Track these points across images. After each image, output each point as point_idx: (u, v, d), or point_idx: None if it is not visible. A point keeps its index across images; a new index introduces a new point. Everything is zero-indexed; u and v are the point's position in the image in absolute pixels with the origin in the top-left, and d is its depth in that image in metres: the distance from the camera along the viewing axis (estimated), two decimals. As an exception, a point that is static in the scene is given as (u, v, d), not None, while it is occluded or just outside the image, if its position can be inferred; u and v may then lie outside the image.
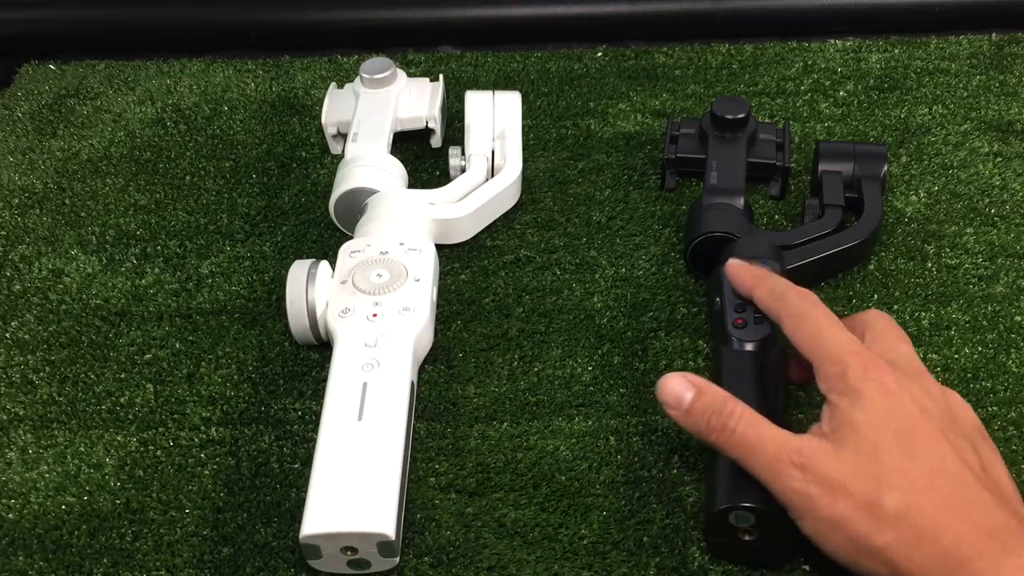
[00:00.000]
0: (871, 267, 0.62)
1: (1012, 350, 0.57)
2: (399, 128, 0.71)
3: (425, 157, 0.73)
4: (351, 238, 0.61)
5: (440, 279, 0.62)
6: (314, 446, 0.49)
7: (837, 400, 0.43)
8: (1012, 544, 0.38)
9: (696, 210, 0.62)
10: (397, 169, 0.66)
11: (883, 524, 0.40)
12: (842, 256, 0.60)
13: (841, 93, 0.77)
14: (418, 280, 0.57)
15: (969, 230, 0.64)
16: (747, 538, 0.45)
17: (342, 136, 0.71)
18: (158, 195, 0.70)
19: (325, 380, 0.52)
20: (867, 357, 0.44)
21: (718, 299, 0.54)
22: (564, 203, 0.68)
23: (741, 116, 0.65)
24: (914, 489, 0.40)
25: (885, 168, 0.63)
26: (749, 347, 0.50)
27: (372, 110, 0.70)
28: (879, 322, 0.48)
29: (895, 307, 0.60)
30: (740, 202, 0.61)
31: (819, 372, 0.45)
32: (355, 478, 0.47)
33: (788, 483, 0.42)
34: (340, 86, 0.74)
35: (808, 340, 0.46)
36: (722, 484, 0.45)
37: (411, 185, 0.68)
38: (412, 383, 0.53)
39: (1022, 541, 0.38)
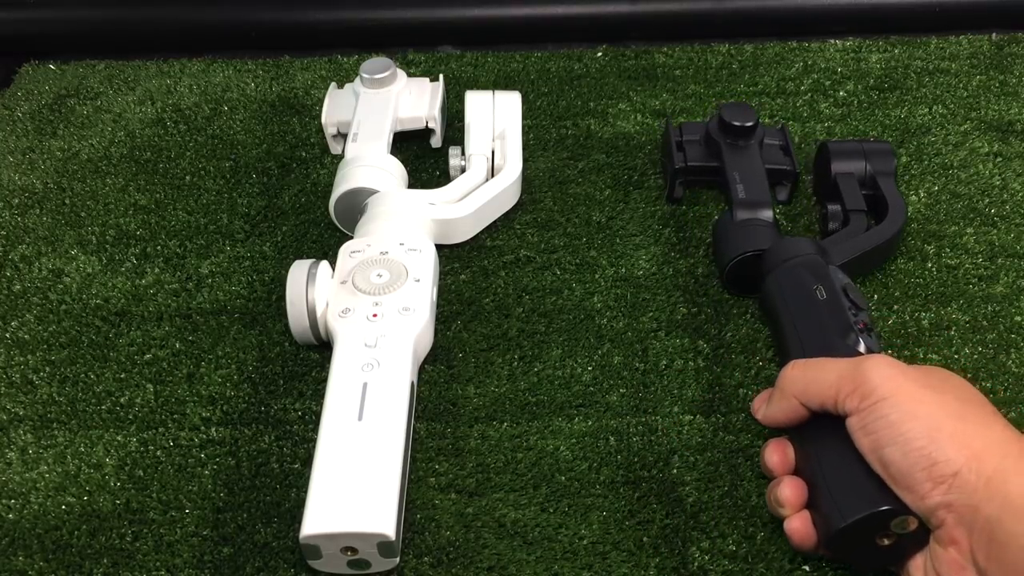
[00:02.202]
0: (871, 267, 0.62)
1: (1012, 350, 0.57)
2: (399, 128, 0.71)
3: (425, 157, 0.73)
4: (351, 238, 0.61)
5: (440, 279, 0.62)
6: (314, 446, 0.49)
7: (866, 407, 0.43)
8: None
9: (728, 227, 0.60)
10: (397, 169, 0.66)
11: (952, 414, 0.41)
12: (876, 255, 0.60)
13: (841, 93, 0.77)
14: (418, 280, 0.57)
15: (969, 230, 0.64)
16: (886, 542, 0.43)
17: (342, 136, 0.71)
18: (158, 195, 0.70)
19: (325, 380, 0.52)
20: (853, 368, 0.44)
21: (818, 288, 0.52)
22: (564, 203, 0.68)
23: (751, 124, 0.64)
24: (984, 409, 0.43)
25: (895, 162, 0.63)
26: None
27: (372, 110, 0.70)
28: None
29: (895, 307, 0.60)
30: (769, 214, 0.60)
31: (836, 402, 0.44)
32: (355, 478, 0.47)
33: (880, 366, 0.43)
34: (340, 86, 0.74)
35: (811, 384, 0.46)
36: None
37: (411, 185, 0.68)
38: (412, 383, 0.53)
39: None
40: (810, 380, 0.46)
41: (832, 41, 0.82)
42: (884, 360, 0.44)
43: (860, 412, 0.42)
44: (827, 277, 0.52)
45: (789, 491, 0.46)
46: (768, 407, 0.49)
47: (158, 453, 0.54)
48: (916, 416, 0.41)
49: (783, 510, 0.46)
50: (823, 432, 0.45)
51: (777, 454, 0.48)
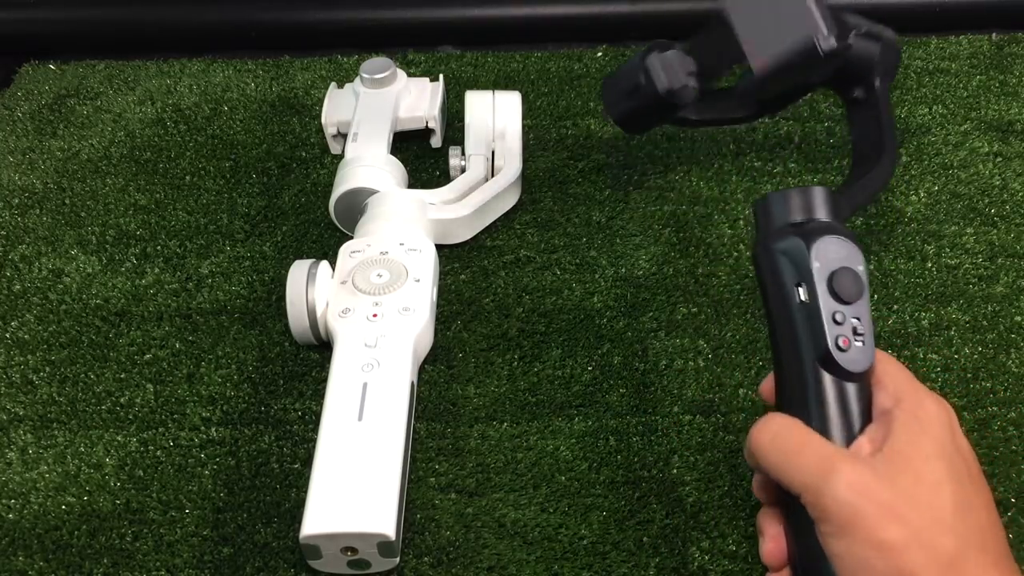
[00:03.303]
0: (871, 267, 0.62)
1: (1012, 350, 0.57)
2: (399, 128, 0.71)
3: (425, 157, 0.73)
4: (351, 238, 0.61)
5: (440, 279, 0.62)
6: (314, 446, 0.49)
7: (904, 420, 0.39)
8: None
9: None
10: (397, 169, 0.66)
11: (934, 564, 0.36)
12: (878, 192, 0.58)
13: (841, 93, 0.76)
14: (418, 280, 0.57)
15: (969, 230, 0.64)
16: None
17: (342, 136, 0.71)
18: (158, 195, 0.70)
19: (325, 380, 0.52)
20: (942, 399, 0.41)
21: (801, 288, 0.43)
22: (564, 203, 0.68)
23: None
24: (968, 538, 0.37)
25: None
26: (853, 378, 0.42)
27: (372, 110, 0.70)
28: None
29: (895, 307, 0.60)
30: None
31: (890, 384, 0.41)
32: (355, 478, 0.47)
33: (841, 491, 0.37)
34: (340, 86, 0.74)
35: (882, 358, 0.42)
36: None
37: (411, 185, 0.68)
38: (412, 383, 0.53)
39: None
40: (777, 464, 0.40)
41: (832, 41, 0.82)
42: (852, 481, 0.37)
43: (820, 534, 0.39)
44: (808, 273, 0.43)
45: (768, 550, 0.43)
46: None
47: (158, 453, 0.54)
48: (874, 563, 0.36)
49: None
50: (799, 516, 0.41)
51: (768, 527, 0.44)
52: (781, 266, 0.44)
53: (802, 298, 0.43)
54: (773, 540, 0.42)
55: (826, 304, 0.42)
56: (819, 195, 0.45)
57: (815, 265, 0.43)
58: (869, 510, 0.37)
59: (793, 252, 0.44)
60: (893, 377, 0.42)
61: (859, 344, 0.42)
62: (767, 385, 0.45)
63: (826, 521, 0.38)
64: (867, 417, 0.41)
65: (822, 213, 0.45)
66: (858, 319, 0.43)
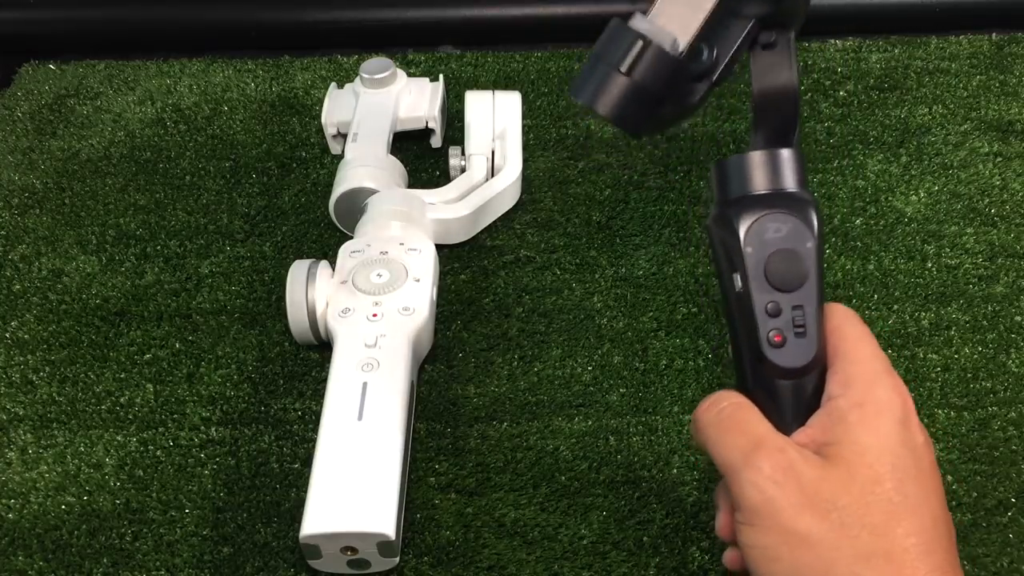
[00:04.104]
0: (871, 267, 0.62)
1: (1012, 350, 0.57)
2: (399, 128, 0.71)
3: (425, 157, 0.73)
4: (351, 238, 0.61)
5: (440, 279, 0.62)
6: (314, 446, 0.49)
7: (847, 410, 0.37)
8: None
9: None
10: (397, 169, 0.66)
11: (854, 562, 0.34)
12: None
13: (841, 93, 0.77)
14: (418, 280, 0.57)
15: (969, 230, 0.64)
16: None
17: (342, 136, 0.71)
18: (158, 195, 0.70)
19: (325, 380, 0.52)
20: (900, 384, 0.38)
21: (737, 277, 0.39)
22: (564, 203, 0.68)
23: None
24: (905, 540, 0.34)
25: None
26: (789, 374, 0.38)
27: (372, 110, 0.70)
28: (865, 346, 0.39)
29: (895, 307, 0.60)
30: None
31: (840, 369, 0.38)
32: (355, 478, 0.47)
33: (756, 476, 0.35)
34: (340, 86, 0.74)
35: (847, 339, 0.39)
36: None
37: (411, 185, 0.68)
38: (412, 383, 0.53)
39: None
40: (708, 439, 0.38)
41: (832, 41, 0.82)
42: (772, 469, 0.35)
43: (735, 522, 0.37)
44: (740, 259, 0.39)
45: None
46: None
47: (158, 453, 0.54)
48: (781, 552, 0.34)
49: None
50: None
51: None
52: (717, 251, 0.40)
53: (738, 286, 0.39)
54: (728, 514, 0.39)
55: (760, 295, 0.38)
56: (776, 159, 0.39)
57: (747, 251, 0.38)
58: (784, 500, 0.35)
59: (725, 235, 0.39)
60: (846, 358, 0.38)
61: (799, 337, 0.38)
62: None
63: (739, 508, 0.36)
64: (815, 406, 0.38)
65: (778, 180, 0.39)
66: (800, 308, 0.38)
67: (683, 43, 0.44)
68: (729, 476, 0.36)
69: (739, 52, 0.52)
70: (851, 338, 0.39)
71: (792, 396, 0.38)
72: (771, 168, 0.39)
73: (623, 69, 0.43)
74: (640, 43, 0.43)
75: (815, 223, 0.38)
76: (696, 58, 0.48)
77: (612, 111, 0.44)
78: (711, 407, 0.39)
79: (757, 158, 0.39)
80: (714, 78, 0.51)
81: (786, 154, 0.40)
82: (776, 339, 0.38)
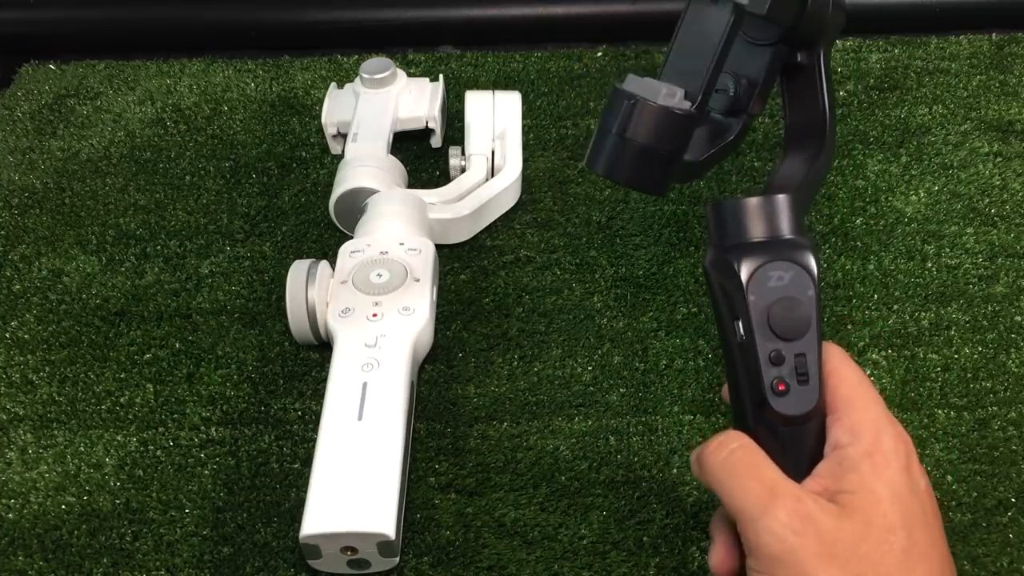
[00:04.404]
0: (871, 267, 0.62)
1: (1012, 350, 0.57)
2: (399, 128, 0.71)
3: (425, 157, 0.73)
4: (351, 238, 0.61)
5: (440, 279, 0.62)
6: (314, 446, 0.49)
7: (858, 460, 0.37)
8: None
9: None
10: (397, 169, 0.66)
11: None
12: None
13: (841, 93, 0.77)
14: (418, 280, 0.57)
15: (969, 230, 0.64)
16: None
17: (342, 136, 0.71)
18: (158, 195, 0.70)
19: (325, 380, 0.52)
20: (901, 430, 0.39)
21: (738, 323, 0.39)
22: (564, 203, 0.68)
23: None
24: None
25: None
26: (793, 422, 0.39)
27: (372, 110, 0.70)
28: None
29: (895, 307, 0.60)
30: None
31: (845, 416, 0.39)
32: (355, 478, 0.47)
33: (775, 525, 0.35)
34: (340, 86, 0.74)
35: (847, 382, 0.39)
36: None
37: (411, 185, 0.68)
38: (412, 383, 0.53)
39: None
40: (721, 482, 0.38)
41: (832, 41, 0.82)
42: (792, 519, 0.35)
43: (748, 568, 0.37)
44: (744, 308, 0.39)
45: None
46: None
47: (158, 453, 0.54)
48: None
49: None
50: None
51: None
52: (718, 297, 0.40)
53: (740, 334, 0.39)
54: (724, 548, 0.40)
55: (763, 343, 0.38)
56: (773, 205, 0.40)
57: (750, 299, 0.38)
58: (804, 550, 0.35)
59: (727, 283, 0.40)
60: (849, 404, 0.39)
61: (801, 385, 0.38)
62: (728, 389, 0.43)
63: (755, 556, 0.36)
64: (818, 454, 0.39)
65: (776, 227, 0.39)
66: (803, 355, 0.38)
67: (697, 92, 0.44)
68: (744, 522, 0.37)
69: (771, 78, 0.52)
70: (851, 382, 0.39)
71: (795, 443, 0.39)
72: (770, 215, 0.40)
73: (618, 131, 0.44)
74: (626, 103, 0.44)
75: (814, 270, 0.39)
76: (724, 96, 0.50)
77: (624, 175, 0.44)
78: (720, 448, 0.39)
79: (755, 204, 0.40)
80: (749, 109, 0.52)
81: (783, 200, 0.40)
82: (780, 387, 0.38)
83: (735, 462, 0.38)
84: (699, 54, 0.45)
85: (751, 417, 0.40)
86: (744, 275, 0.39)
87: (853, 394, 0.39)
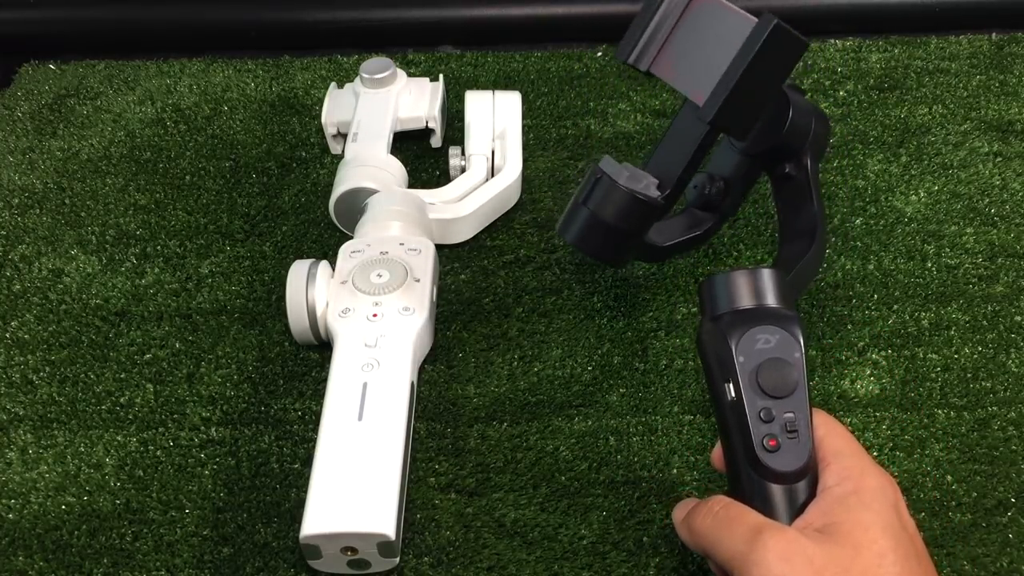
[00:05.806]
0: (871, 267, 0.62)
1: (1012, 350, 0.57)
2: (399, 128, 0.71)
3: (425, 157, 0.73)
4: (351, 238, 0.61)
5: (440, 279, 0.62)
6: (314, 446, 0.49)
7: (844, 494, 0.39)
8: None
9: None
10: (397, 169, 0.66)
11: None
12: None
13: (841, 93, 0.77)
14: (418, 280, 0.57)
15: (969, 230, 0.64)
16: None
17: (342, 136, 0.71)
18: (158, 195, 0.70)
19: (325, 380, 0.52)
20: (890, 477, 0.40)
21: (729, 385, 0.42)
22: (564, 203, 0.68)
23: None
24: None
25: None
26: (785, 478, 0.40)
27: (372, 110, 0.70)
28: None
29: (895, 307, 0.60)
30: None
31: (833, 463, 0.40)
32: (355, 478, 0.47)
33: (764, 556, 0.36)
34: (340, 86, 0.74)
35: (837, 436, 0.41)
36: None
37: (411, 185, 0.68)
38: (412, 383, 0.53)
39: None
40: (708, 539, 0.40)
41: (832, 41, 0.82)
42: (779, 548, 0.37)
43: None
44: (732, 369, 0.41)
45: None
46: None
47: (158, 453, 0.54)
48: None
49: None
50: None
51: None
52: (710, 360, 0.43)
53: (731, 395, 0.41)
54: None
55: (752, 402, 0.40)
56: (760, 278, 0.43)
57: (739, 360, 0.41)
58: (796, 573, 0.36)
59: (718, 346, 0.42)
60: (838, 455, 0.40)
61: (791, 441, 0.40)
62: (717, 453, 0.44)
63: None
64: (809, 502, 0.40)
65: (762, 296, 0.43)
66: (792, 413, 0.40)
67: (667, 184, 0.50)
68: (735, 565, 0.37)
69: (745, 184, 0.60)
70: (842, 436, 0.41)
71: (788, 501, 0.40)
72: (757, 286, 0.43)
73: (581, 200, 0.50)
74: (594, 178, 0.50)
75: (800, 337, 0.41)
76: (698, 192, 0.57)
77: (573, 237, 0.51)
78: (705, 513, 0.40)
79: (743, 276, 0.43)
80: (722, 209, 0.58)
81: (768, 273, 0.43)
82: (771, 444, 0.40)
83: (720, 517, 0.40)
84: (679, 152, 0.50)
85: (744, 478, 0.41)
86: (733, 339, 0.41)
87: (841, 444, 0.41)
